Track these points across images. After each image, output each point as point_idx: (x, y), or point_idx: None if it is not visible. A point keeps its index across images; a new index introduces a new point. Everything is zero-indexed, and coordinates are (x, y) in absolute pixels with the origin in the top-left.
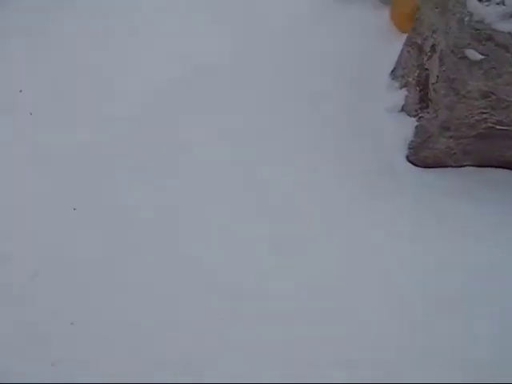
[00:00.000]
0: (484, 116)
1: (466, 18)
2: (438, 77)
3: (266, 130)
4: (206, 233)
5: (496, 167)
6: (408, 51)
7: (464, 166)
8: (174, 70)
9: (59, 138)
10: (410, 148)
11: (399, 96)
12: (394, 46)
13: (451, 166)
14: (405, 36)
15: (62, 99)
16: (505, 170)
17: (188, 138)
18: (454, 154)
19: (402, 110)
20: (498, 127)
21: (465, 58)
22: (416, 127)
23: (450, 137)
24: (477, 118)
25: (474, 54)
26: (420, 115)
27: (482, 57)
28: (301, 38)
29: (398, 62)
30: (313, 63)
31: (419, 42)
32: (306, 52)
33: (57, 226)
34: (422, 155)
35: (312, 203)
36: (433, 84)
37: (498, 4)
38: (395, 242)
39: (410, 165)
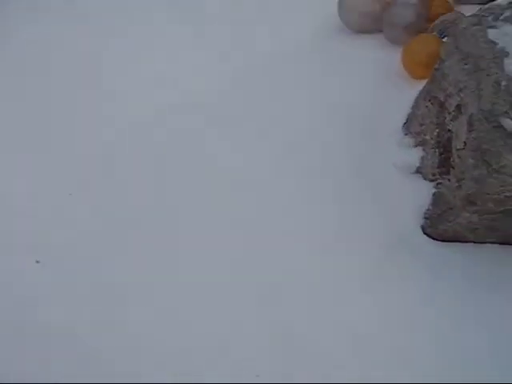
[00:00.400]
0: None
1: (504, 83)
2: (465, 143)
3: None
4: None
5: None
6: (426, 106)
7: (486, 242)
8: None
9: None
10: (426, 218)
11: (413, 155)
12: (404, 93)
13: (472, 242)
14: (417, 83)
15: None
16: None
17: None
18: (477, 229)
19: (417, 171)
20: None
21: (500, 127)
22: (434, 194)
23: (475, 211)
24: (507, 194)
25: (511, 125)
26: (439, 181)
27: None
28: (301, 75)
29: (413, 115)
30: (314, 106)
31: (441, 98)
32: (305, 93)
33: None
34: (440, 228)
35: (312, 275)
36: (458, 150)
37: None
38: (406, 325)
39: (426, 237)
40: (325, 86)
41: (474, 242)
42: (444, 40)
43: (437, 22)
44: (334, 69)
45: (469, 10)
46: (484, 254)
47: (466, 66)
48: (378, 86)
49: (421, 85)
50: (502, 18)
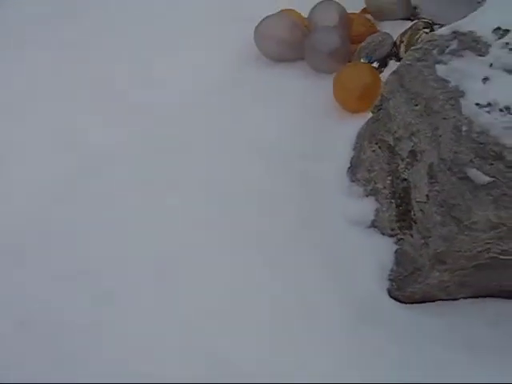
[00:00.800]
0: (488, 246)
1: (464, 128)
2: (427, 196)
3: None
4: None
5: (492, 297)
6: (373, 150)
7: (458, 298)
8: None
9: None
10: (391, 279)
11: (366, 206)
12: (340, 129)
13: (442, 299)
14: (352, 117)
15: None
16: (502, 300)
17: None
18: (448, 287)
19: (373, 225)
20: (502, 257)
21: (466, 178)
22: (396, 253)
23: (445, 270)
24: (479, 249)
25: (478, 176)
26: (400, 237)
27: (490, 179)
28: (216, 113)
29: (357, 159)
30: (238, 150)
31: (390, 141)
32: (226, 135)
33: None
34: (408, 291)
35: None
36: (418, 202)
37: (501, 111)
38: None
39: (393, 301)
40: (248, 124)
41: (444, 299)
42: (374, 65)
43: (363, 44)
44: (255, 103)
45: (390, 26)
46: (457, 312)
47: (417, 108)
48: (310, 120)
49: (357, 119)
50: (447, 51)
